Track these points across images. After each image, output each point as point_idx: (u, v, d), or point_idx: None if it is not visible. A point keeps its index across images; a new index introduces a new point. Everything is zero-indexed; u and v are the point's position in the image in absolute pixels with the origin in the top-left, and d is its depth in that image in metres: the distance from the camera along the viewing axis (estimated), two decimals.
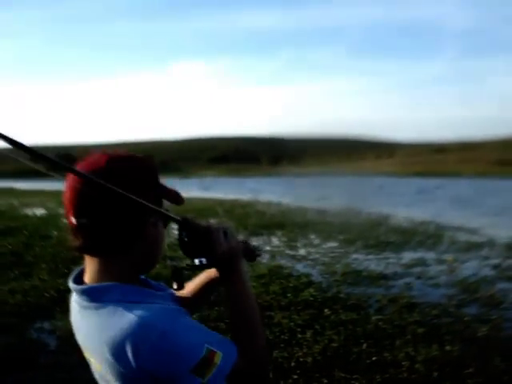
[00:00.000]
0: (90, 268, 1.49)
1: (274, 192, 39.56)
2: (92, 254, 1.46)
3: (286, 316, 6.56)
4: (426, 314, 6.72)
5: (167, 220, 1.54)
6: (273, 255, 11.38)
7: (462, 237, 14.25)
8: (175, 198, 1.54)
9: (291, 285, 8.23)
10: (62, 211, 21.26)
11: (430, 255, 11.43)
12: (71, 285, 1.52)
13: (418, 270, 9.81)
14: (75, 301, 1.51)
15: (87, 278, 1.49)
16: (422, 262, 10.52)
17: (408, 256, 11.29)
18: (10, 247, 11.22)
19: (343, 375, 4.79)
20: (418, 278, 9.14)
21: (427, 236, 14.35)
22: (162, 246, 1.56)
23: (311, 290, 7.87)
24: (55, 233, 13.85)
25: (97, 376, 1.53)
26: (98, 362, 1.43)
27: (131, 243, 1.45)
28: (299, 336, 5.85)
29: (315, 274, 9.38)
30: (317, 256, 11.39)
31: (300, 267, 10.10)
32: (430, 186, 46.86)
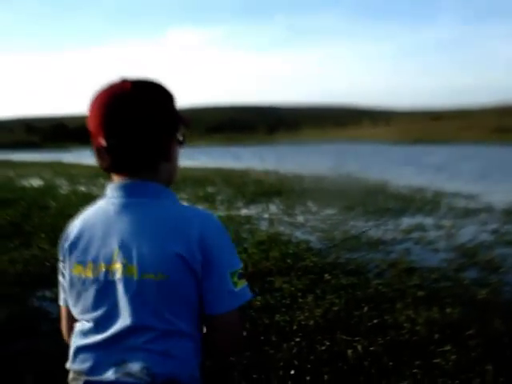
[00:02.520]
0: (119, 179, 1.57)
1: (270, 160, 39.50)
2: (122, 171, 1.54)
3: (287, 281, 6.58)
4: (425, 278, 6.75)
5: (183, 142, 1.66)
6: (271, 222, 11.40)
7: (460, 203, 14.28)
8: (187, 122, 1.65)
9: (291, 251, 8.25)
10: (58, 182, 21.27)
11: (428, 221, 11.46)
12: (111, 184, 1.58)
13: (416, 235, 9.84)
14: (113, 201, 1.55)
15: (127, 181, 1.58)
16: (420, 228, 10.55)
17: (406, 222, 11.31)
18: (8, 218, 11.20)
19: (345, 337, 4.82)
20: (417, 243, 9.18)
21: (425, 202, 14.37)
22: (178, 166, 1.69)
23: (311, 256, 7.88)
24: (53, 203, 13.84)
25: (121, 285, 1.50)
26: (145, 250, 1.46)
27: (158, 160, 1.55)
28: (300, 300, 5.88)
29: (314, 241, 9.41)
30: (315, 223, 11.40)
31: (299, 234, 10.13)
32: (426, 153, 46.82)
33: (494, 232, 10.00)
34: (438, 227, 10.67)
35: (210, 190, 18.23)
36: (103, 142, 1.48)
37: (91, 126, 1.50)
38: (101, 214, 1.56)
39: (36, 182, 21.32)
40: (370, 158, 43.08)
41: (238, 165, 33.90)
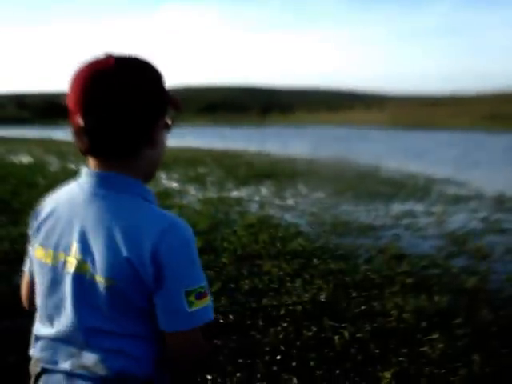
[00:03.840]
0: (98, 166, 1.45)
1: (262, 142, 39.41)
2: (99, 155, 1.43)
3: (276, 265, 6.55)
4: (414, 264, 6.73)
5: (170, 126, 1.54)
6: (261, 205, 11.35)
7: (451, 190, 14.27)
8: (177, 104, 1.52)
9: (280, 234, 8.21)
10: (48, 159, 21.12)
11: (418, 207, 11.45)
12: (86, 169, 1.47)
13: (406, 221, 9.82)
14: (83, 188, 1.45)
15: (101, 170, 1.46)
16: (410, 214, 10.53)
17: (397, 208, 11.30)
18: None
19: (332, 323, 4.79)
20: (407, 229, 9.15)
21: (416, 188, 14.36)
22: (164, 153, 1.56)
23: (300, 240, 7.86)
24: (42, 181, 13.72)
25: (70, 279, 1.42)
26: (98, 249, 1.36)
27: (140, 145, 1.43)
28: (288, 285, 5.85)
29: (304, 225, 9.37)
30: (305, 206, 11.37)
31: (289, 217, 10.08)
32: (418, 138, 46.83)
33: (484, 220, 9.99)
34: (429, 214, 10.65)
35: (201, 170, 18.15)
36: (80, 122, 1.36)
37: (69, 103, 1.39)
38: (70, 198, 1.48)
39: (26, 159, 21.16)
40: (362, 142, 43.05)
41: (229, 146, 33.79)
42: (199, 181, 15.35)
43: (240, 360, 4.15)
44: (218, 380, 3.84)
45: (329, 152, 28.24)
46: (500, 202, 12.21)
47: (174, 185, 14.40)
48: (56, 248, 1.45)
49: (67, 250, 1.42)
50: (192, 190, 13.49)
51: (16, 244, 6.91)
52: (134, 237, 1.33)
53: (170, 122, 1.52)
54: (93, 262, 1.36)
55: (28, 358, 1.60)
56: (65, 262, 1.42)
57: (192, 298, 1.34)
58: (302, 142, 40.56)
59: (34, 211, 1.59)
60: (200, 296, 1.36)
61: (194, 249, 1.38)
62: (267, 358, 4.19)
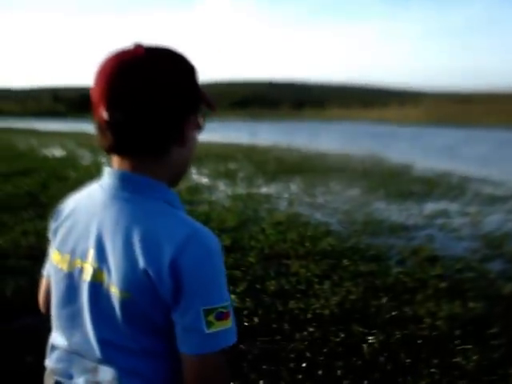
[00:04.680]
0: (124, 164, 1.30)
1: (294, 138, 39.16)
2: (123, 153, 1.28)
3: (304, 265, 6.38)
4: (448, 267, 6.49)
5: (202, 125, 1.38)
6: (291, 202, 11.17)
7: (486, 189, 13.88)
8: (210, 103, 1.36)
9: (309, 233, 8.03)
10: (80, 153, 21.24)
11: (452, 207, 11.13)
12: (108, 169, 1.32)
13: (440, 221, 9.53)
14: (104, 189, 1.31)
15: (125, 169, 1.31)
16: (444, 214, 10.24)
17: (430, 207, 11.00)
18: (26, 188, 11.14)
19: (361, 329, 4.61)
20: (440, 229, 8.88)
21: (450, 187, 14.01)
22: (195, 152, 1.40)
23: (329, 240, 7.67)
24: (73, 174, 13.76)
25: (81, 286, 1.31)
26: (115, 258, 1.22)
27: (168, 144, 1.28)
28: (316, 287, 5.67)
29: (334, 223, 9.16)
30: (336, 204, 11.15)
31: (318, 215, 9.89)
32: (453, 136, 46.05)
33: None
34: (463, 214, 10.34)
35: (231, 166, 18.02)
36: (105, 115, 1.23)
37: (94, 95, 1.25)
38: (89, 199, 1.35)
39: (58, 152, 21.31)
40: (395, 139, 42.48)
41: (260, 141, 33.64)
42: (229, 176, 15.22)
43: (264, 366, 3.99)
44: None
45: (361, 149, 27.89)
46: None
47: (204, 180, 14.30)
48: (72, 253, 1.33)
49: (84, 257, 1.30)
50: (221, 186, 13.37)
51: (42, 239, 6.86)
52: (153, 246, 1.19)
53: (201, 121, 1.37)
54: (109, 271, 1.23)
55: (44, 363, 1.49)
56: (81, 269, 1.30)
57: (211, 318, 1.18)
58: (334, 138, 40.19)
59: (54, 211, 1.49)
60: (221, 317, 1.19)
61: (218, 262, 1.22)
62: (292, 365, 4.03)
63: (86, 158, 19.58)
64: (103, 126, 1.25)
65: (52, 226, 1.45)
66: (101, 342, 1.28)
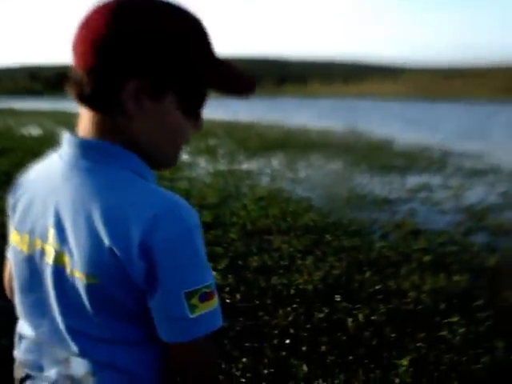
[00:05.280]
0: (89, 124, 1.11)
1: (275, 114, 38.96)
2: (94, 105, 1.08)
3: (286, 241, 6.29)
4: (431, 241, 6.44)
5: (191, 103, 1.14)
6: (273, 178, 11.06)
7: (467, 163, 13.89)
8: (237, 81, 1.14)
9: (291, 209, 7.94)
10: (59, 131, 20.89)
11: (434, 180, 11.11)
12: (67, 135, 1.12)
13: (422, 195, 9.50)
14: (64, 159, 1.12)
15: (86, 134, 1.12)
16: (426, 188, 10.21)
17: (412, 181, 10.97)
18: (2, 168, 10.94)
19: (345, 304, 4.54)
20: (423, 203, 8.84)
21: (431, 161, 14.00)
22: (177, 137, 1.17)
23: (312, 215, 7.59)
24: (51, 151, 13.52)
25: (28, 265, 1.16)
26: (76, 237, 1.05)
27: (117, 99, 1.06)
28: (299, 262, 5.58)
29: (316, 198, 9.07)
30: (318, 179, 11.06)
31: (300, 191, 9.79)
32: (434, 110, 46.10)
33: (503, 194, 9.65)
34: (445, 187, 10.32)
35: (212, 142, 17.84)
36: (79, 63, 1.06)
37: (73, 43, 1.08)
38: (48, 171, 1.17)
39: (35, 131, 20.94)
40: (376, 114, 42.44)
41: (241, 117, 33.40)
42: (210, 153, 15.07)
43: (247, 344, 3.90)
44: (223, 366, 3.59)
45: (343, 123, 27.78)
46: None
47: (185, 157, 14.12)
48: (31, 233, 1.15)
49: (44, 237, 1.13)
50: (202, 163, 13.22)
51: None
52: (119, 222, 1.01)
53: (188, 99, 1.13)
54: (71, 253, 1.07)
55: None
56: (42, 252, 1.13)
57: (195, 301, 1.04)
58: (316, 114, 40.04)
59: (13, 185, 1.30)
60: (205, 297, 1.05)
61: (197, 238, 1.05)
62: (276, 341, 3.94)
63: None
64: (73, 74, 1.07)
65: (10, 201, 1.27)
66: (71, 332, 1.13)
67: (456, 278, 5.13)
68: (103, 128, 1.10)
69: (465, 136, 21.95)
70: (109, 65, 1.04)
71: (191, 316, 1.03)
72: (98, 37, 1.02)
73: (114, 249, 1.00)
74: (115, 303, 1.07)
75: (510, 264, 5.66)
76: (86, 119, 1.11)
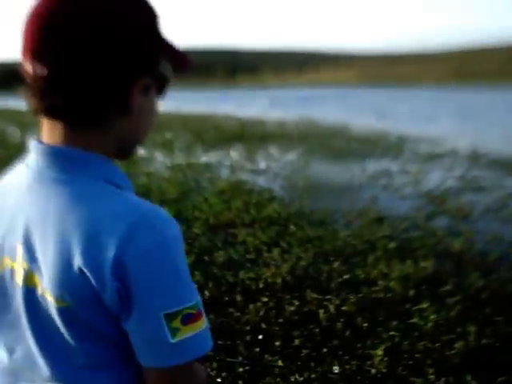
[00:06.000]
0: (57, 129, 0.99)
1: (229, 105, 38.83)
2: (52, 116, 0.98)
3: (251, 234, 6.22)
4: (395, 227, 6.47)
5: (163, 85, 1.08)
6: (233, 170, 10.98)
7: (423, 148, 14.06)
8: (182, 59, 1.05)
9: (254, 200, 7.87)
10: (9, 130, 20.34)
11: (393, 166, 11.20)
12: (33, 143, 1.01)
13: (382, 181, 9.56)
14: (32, 168, 1.01)
15: (54, 141, 1.00)
16: (386, 174, 10.28)
17: (371, 167, 11.03)
18: None
19: (315, 296, 4.51)
20: (384, 189, 8.90)
21: (388, 147, 14.12)
22: (153, 121, 1.09)
23: (274, 206, 7.55)
24: (1, 152, 13.15)
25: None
26: (45, 256, 0.95)
27: (107, 110, 0.98)
28: (266, 255, 5.53)
29: (277, 189, 9.04)
30: (278, 170, 11.03)
31: (261, 182, 9.74)
32: (386, 96, 46.64)
33: (461, 178, 9.79)
34: (404, 173, 10.42)
35: (168, 136, 17.63)
36: (30, 69, 0.94)
37: (22, 48, 0.96)
38: (16, 183, 1.06)
39: None
40: (330, 101, 42.71)
41: (196, 109, 33.16)
42: (166, 147, 14.88)
43: (219, 342, 3.83)
44: None
45: (297, 113, 27.85)
46: (474, 158, 12.05)
47: (141, 152, 13.90)
48: (0, 251, 1.05)
49: (13, 255, 1.02)
50: (160, 157, 13.04)
51: None
52: (91, 239, 0.91)
53: (162, 81, 1.06)
54: (41, 272, 0.97)
55: None
56: (12, 271, 1.03)
57: (176, 324, 0.92)
58: (270, 104, 40.07)
59: None
60: (189, 319, 0.93)
61: (177, 252, 0.94)
62: (248, 338, 3.88)
63: (15, 135, 18.74)
64: (29, 83, 0.96)
65: None
66: (45, 357, 1.02)
67: (423, 264, 5.15)
68: (74, 133, 0.99)
69: (417, 121, 22.25)
70: (97, 70, 0.94)
71: (172, 341, 0.92)
72: (73, 40, 0.91)
73: (84, 268, 0.90)
74: (89, 327, 0.97)
75: (473, 247, 5.73)
76: (51, 124, 1.00)
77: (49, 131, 1.01)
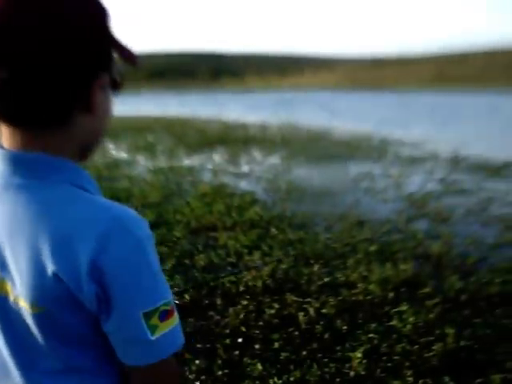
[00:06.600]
0: (16, 138, 0.98)
1: (212, 108, 38.81)
2: (12, 122, 0.95)
3: (232, 237, 6.22)
4: (376, 230, 6.50)
5: (118, 84, 1.08)
6: (215, 173, 10.97)
7: (404, 151, 14.15)
8: (130, 55, 1.04)
9: (235, 204, 7.87)
10: None
11: (375, 169, 11.25)
12: (4, 140, 1.00)
13: (364, 184, 9.60)
14: None
15: (15, 146, 0.98)
16: (367, 177, 10.33)
17: (353, 171, 11.08)
18: None
19: (295, 299, 4.51)
20: (366, 192, 8.93)
21: (370, 150, 14.19)
22: (109, 119, 1.09)
23: (256, 209, 7.55)
24: None
25: None
26: (17, 264, 0.94)
27: (71, 110, 0.97)
28: (247, 258, 5.52)
29: (259, 192, 9.04)
30: (260, 173, 11.04)
31: (243, 185, 9.74)
32: (368, 100, 46.87)
33: (441, 181, 9.87)
34: (385, 176, 10.47)
35: (150, 139, 17.57)
36: None
37: None
38: None
39: None
40: (311, 105, 42.85)
41: (178, 113, 33.08)
42: (148, 150, 14.82)
43: (199, 345, 3.82)
44: None
45: (280, 116, 27.90)
46: (455, 162, 12.15)
47: (123, 155, 13.85)
48: None
49: None
50: (142, 160, 12.98)
51: None
52: (63, 244, 0.91)
53: (117, 79, 1.06)
54: (12, 280, 0.96)
55: None
56: None
57: (155, 321, 0.94)
58: (252, 107, 40.10)
59: None
60: (165, 316, 0.96)
61: (151, 252, 0.96)
62: (228, 341, 3.87)
63: None
64: None
65: None
66: (19, 365, 1.02)
67: (402, 266, 5.17)
68: (36, 137, 0.98)
69: (397, 124, 22.39)
70: (57, 70, 0.91)
71: (152, 338, 0.95)
72: (36, 36, 0.88)
73: (59, 274, 0.90)
74: (66, 330, 0.97)
75: (452, 250, 5.77)
76: (12, 128, 0.98)
77: (10, 135, 0.99)
